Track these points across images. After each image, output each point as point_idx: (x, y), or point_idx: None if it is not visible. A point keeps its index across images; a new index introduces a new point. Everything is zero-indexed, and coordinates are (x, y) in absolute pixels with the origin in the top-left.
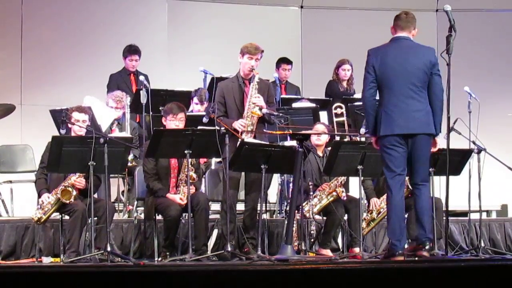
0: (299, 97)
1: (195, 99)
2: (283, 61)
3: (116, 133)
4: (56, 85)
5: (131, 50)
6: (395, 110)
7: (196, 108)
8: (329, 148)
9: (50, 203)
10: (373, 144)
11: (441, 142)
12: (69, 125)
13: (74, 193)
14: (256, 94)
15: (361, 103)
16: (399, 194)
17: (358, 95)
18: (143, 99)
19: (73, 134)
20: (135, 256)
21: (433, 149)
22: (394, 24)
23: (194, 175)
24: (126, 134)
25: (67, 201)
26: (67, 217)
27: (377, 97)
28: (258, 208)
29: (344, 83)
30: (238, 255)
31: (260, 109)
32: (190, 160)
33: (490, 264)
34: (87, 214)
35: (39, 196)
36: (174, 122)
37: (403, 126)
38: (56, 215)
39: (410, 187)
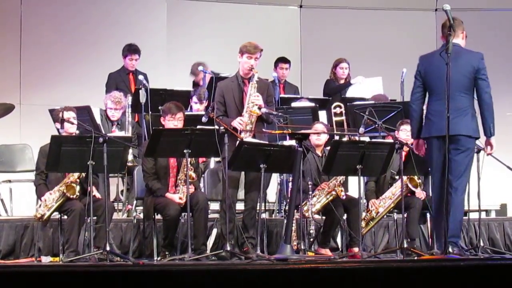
0: (298, 96)
1: (194, 98)
2: (280, 60)
3: (117, 133)
4: (55, 84)
5: (131, 50)
6: (436, 114)
7: (195, 107)
8: (328, 148)
9: (54, 199)
10: (414, 147)
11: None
12: (59, 124)
13: (78, 188)
14: (255, 93)
15: (360, 102)
16: (441, 192)
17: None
18: (143, 98)
19: (64, 133)
20: (134, 255)
21: (489, 151)
22: (442, 32)
23: (193, 175)
24: (127, 133)
25: (72, 196)
26: (66, 216)
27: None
28: (258, 208)
29: (342, 82)
30: (237, 254)
31: (259, 108)
32: (189, 159)
33: (489, 264)
34: (86, 214)
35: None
36: (173, 122)
37: (440, 129)
38: (55, 215)
39: (410, 187)
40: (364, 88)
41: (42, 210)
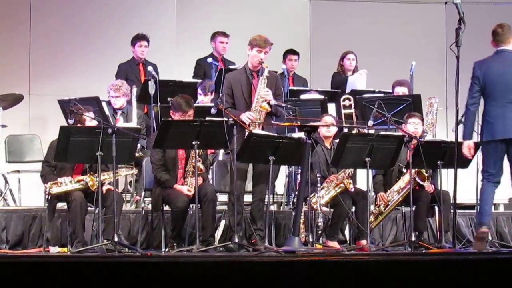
0: (307, 88)
1: (199, 90)
2: (289, 52)
3: (121, 123)
4: (64, 75)
5: (139, 37)
6: (494, 117)
7: (200, 98)
8: (337, 140)
9: (72, 181)
10: (464, 148)
11: None
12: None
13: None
14: (264, 88)
15: (368, 95)
16: (490, 190)
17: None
18: (152, 89)
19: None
20: (142, 246)
21: None
22: (493, 39)
23: (202, 166)
24: (133, 123)
25: (91, 188)
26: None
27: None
28: (266, 200)
29: (349, 73)
30: (245, 246)
31: (268, 103)
32: (197, 151)
33: (497, 258)
34: (95, 204)
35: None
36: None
37: (501, 131)
38: (63, 205)
39: (418, 180)
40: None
41: (56, 186)
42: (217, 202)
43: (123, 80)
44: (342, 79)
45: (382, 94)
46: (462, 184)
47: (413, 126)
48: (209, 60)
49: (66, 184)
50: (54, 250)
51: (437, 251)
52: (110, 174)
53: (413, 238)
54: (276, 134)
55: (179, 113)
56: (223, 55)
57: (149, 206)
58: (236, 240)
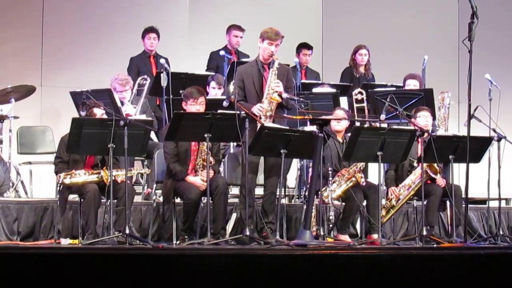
0: (319, 82)
1: (213, 84)
2: (303, 46)
3: (137, 116)
4: (76, 67)
5: (147, 29)
6: None
7: (213, 92)
8: (349, 134)
9: (87, 173)
10: None
11: None
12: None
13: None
14: (275, 80)
15: (381, 89)
16: None
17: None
18: (164, 82)
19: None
20: (154, 239)
21: None
22: None
23: (211, 159)
24: (142, 116)
25: (105, 181)
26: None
27: None
28: (277, 193)
29: (362, 68)
30: (257, 239)
31: (279, 95)
32: (210, 144)
33: (509, 252)
34: (107, 197)
35: None
36: (195, 106)
37: None
38: (74, 197)
39: (430, 173)
40: None
41: (70, 177)
42: (229, 195)
43: (134, 73)
44: (356, 79)
45: (394, 88)
46: (474, 178)
47: (423, 119)
48: (222, 53)
49: (81, 175)
50: (65, 242)
51: (448, 245)
52: (123, 171)
53: (425, 232)
54: (288, 128)
55: (190, 100)
56: (236, 49)
57: (161, 199)
58: (247, 233)
